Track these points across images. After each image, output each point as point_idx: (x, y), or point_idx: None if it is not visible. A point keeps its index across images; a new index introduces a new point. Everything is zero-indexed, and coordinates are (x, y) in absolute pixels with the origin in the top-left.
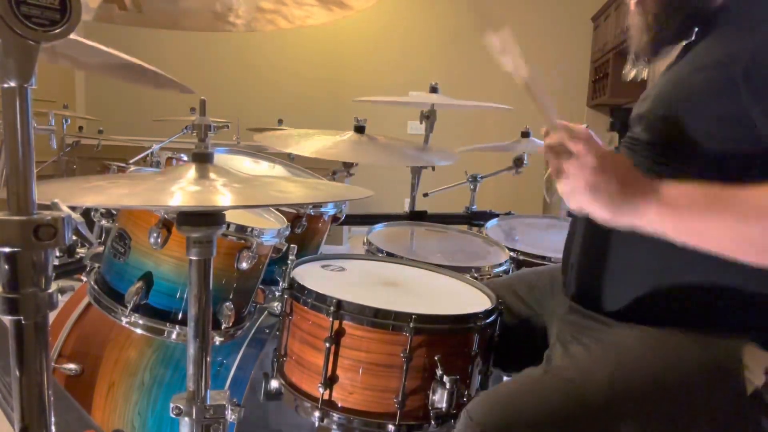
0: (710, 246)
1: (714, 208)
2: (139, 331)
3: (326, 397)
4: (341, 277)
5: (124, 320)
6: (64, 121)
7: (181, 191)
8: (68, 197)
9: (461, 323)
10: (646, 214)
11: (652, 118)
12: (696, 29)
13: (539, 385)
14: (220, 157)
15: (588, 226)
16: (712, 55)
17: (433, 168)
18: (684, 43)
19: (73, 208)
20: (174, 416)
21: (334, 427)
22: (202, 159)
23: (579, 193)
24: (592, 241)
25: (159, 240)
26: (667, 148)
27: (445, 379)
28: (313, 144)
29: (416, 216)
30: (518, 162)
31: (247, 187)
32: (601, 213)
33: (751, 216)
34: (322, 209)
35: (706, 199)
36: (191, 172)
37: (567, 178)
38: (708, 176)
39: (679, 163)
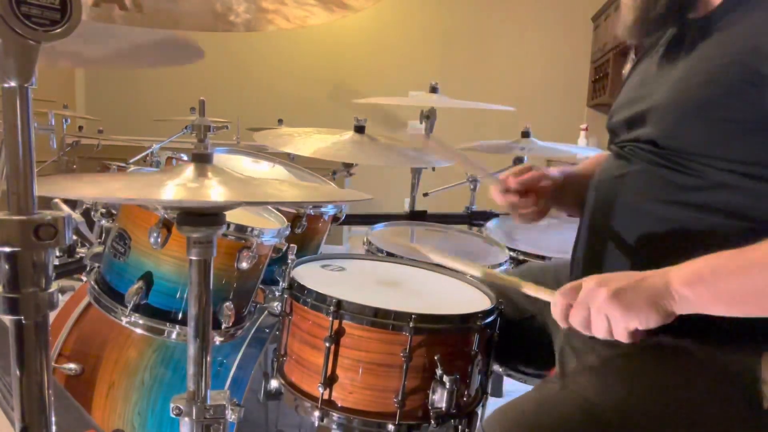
0: (753, 304)
1: (738, 267)
2: (139, 331)
3: (326, 396)
4: (341, 277)
5: (124, 320)
6: (64, 121)
7: (176, 187)
8: (64, 189)
9: (461, 323)
10: (681, 293)
11: (670, 116)
12: (689, 23)
13: (557, 402)
14: (220, 157)
15: (592, 226)
16: (735, 51)
17: (433, 168)
18: (670, 32)
19: (72, 205)
20: (174, 416)
21: (334, 426)
22: (202, 159)
23: (620, 323)
24: (596, 241)
25: (159, 240)
26: (687, 151)
27: (445, 378)
28: (313, 144)
29: (416, 216)
30: (518, 162)
31: (244, 186)
32: (650, 318)
33: None
34: (322, 209)
35: (727, 262)
36: (189, 171)
37: (600, 322)
38: (732, 182)
39: (700, 166)
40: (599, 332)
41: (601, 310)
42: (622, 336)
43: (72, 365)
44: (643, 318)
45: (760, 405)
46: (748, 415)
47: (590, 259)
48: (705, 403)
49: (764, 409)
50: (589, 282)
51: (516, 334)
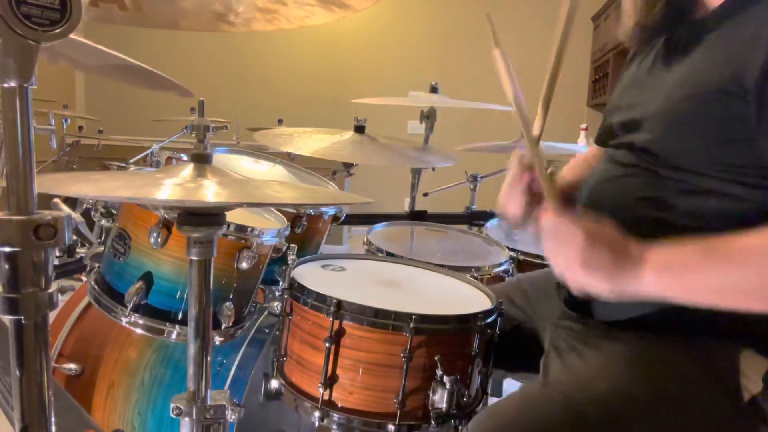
0: (717, 300)
1: (709, 262)
2: (139, 331)
3: (326, 397)
4: (341, 277)
5: (124, 320)
6: (64, 121)
7: (174, 187)
8: (61, 187)
9: (461, 323)
10: (644, 279)
11: (660, 126)
12: (685, 30)
13: (539, 401)
14: (220, 157)
15: None
16: (722, 61)
17: (434, 168)
18: (664, 38)
19: (72, 205)
20: (174, 416)
21: (334, 427)
22: (201, 159)
23: (575, 271)
24: None
25: (159, 240)
26: (677, 159)
27: (445, 379)
28: (313, 144)
29: (416, 216)
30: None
31: (243, 187)
32: (600, 287)
33: (750, 262)
34: (322, 209)
35: (700, 255)
36: (188, 170)
37: (561, 258)
38: (721, 188)
39: (690, 173)
40: (551, 257)
41: (565, 252)
42: (568, 280)
43: (72, 365)
44: (593, 284)
45: (741, 398)
46: (730, 407)
47: None
48: (687, 396)
49: (745, 402)
50: (576, 232)
51: (508, 342)
